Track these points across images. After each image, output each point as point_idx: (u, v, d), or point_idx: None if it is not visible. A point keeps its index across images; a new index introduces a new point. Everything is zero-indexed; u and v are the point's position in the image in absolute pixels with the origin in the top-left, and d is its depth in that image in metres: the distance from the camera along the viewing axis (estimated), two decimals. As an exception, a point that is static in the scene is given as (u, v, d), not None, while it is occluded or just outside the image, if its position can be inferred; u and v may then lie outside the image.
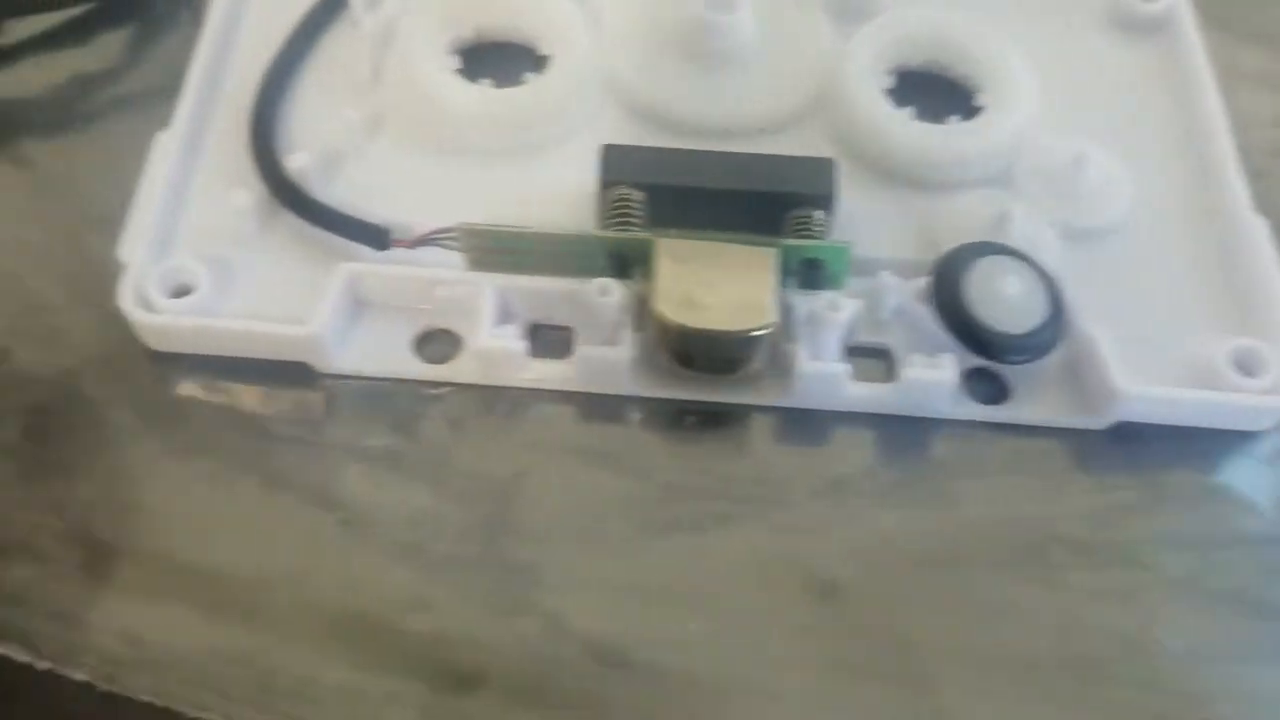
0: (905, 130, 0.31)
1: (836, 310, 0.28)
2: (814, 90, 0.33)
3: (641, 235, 0.28)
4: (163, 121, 0.31)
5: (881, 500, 0.27)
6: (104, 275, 0.29)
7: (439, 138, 0.31)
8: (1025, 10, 0.35)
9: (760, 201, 0.29)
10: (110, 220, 0.29)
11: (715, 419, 0.29)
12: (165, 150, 0.30)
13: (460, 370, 0.29)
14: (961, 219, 0.30)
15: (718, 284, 0.27)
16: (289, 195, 0.29)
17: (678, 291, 0.27)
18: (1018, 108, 0.32)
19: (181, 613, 0.25)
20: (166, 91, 0.32)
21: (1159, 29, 0.35)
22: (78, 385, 0.28)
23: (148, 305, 0.28)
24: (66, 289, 0.30)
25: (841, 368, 0.28)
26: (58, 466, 0.27)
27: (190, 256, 0.29)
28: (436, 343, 0.29)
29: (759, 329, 0.27)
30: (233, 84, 0.32)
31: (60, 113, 0.34)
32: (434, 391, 0.28)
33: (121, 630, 0.25)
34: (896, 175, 0.31)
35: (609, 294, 0.28)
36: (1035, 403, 0.28)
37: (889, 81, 0.33)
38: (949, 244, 0.29)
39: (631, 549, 0.26)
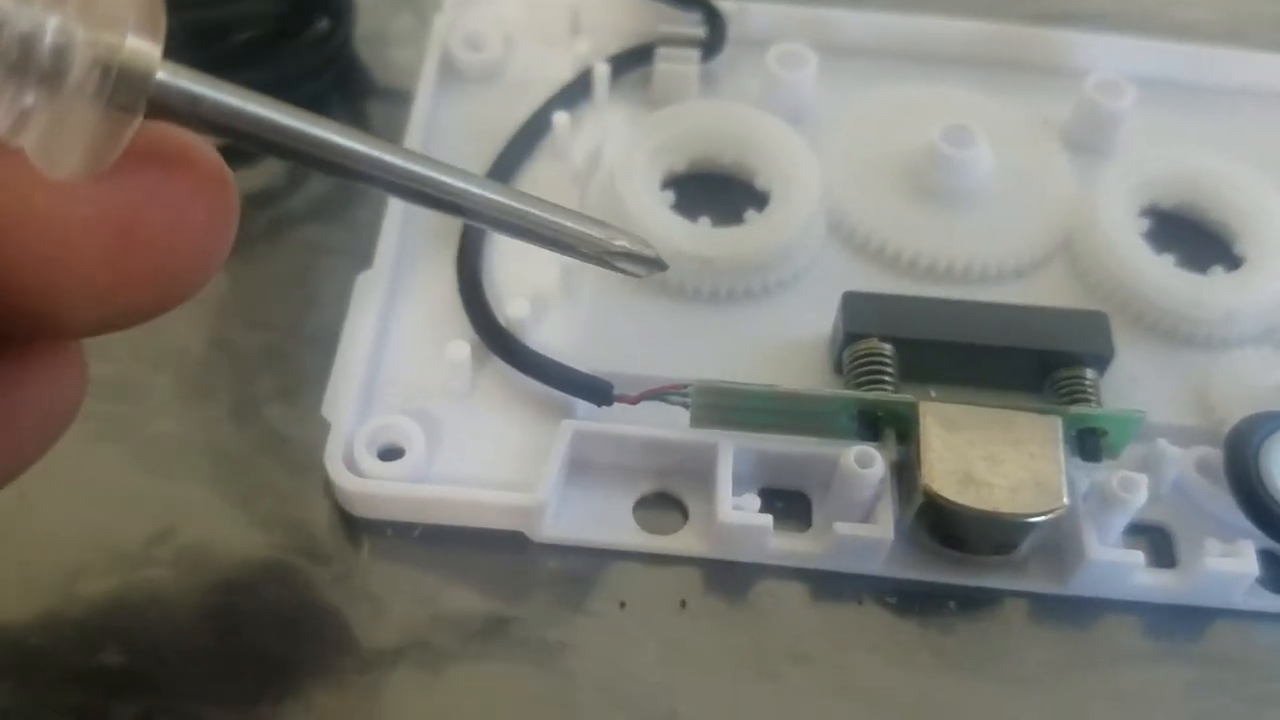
0: (1171, 280, 0.28)
1: (1131, 492, 0.24)
2: (1061, 232, 0.30)
3: (904, 398, 0.25)
4: (353, 257, 0.29)
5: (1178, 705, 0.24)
6: (297, 434, 0.26)
7: (654, 280, 0.28)
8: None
9: (1026, 359, 0.27)
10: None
11: (978, 604, 0.25)
12: (369, 294, 0.27)
13: (686, 542, 0.26)
14: (1237, 381, 0.27)
15: (998, 458, 0.24)
16: (507, 348, 0.26)
17: (952, 466, 0.24)
18: (1284, 262, 0.29)
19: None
20: (343, 218, 0.30)
21: None
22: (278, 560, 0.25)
23: (356, 469, 0.25)
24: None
25: (1133, 556, 0.25)
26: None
27: (398, 414, 0.26)
28: (659, 509, 0.26)
29: (1049, 512, 0.24)
30: (433, 219, 0.29)
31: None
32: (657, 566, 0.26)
33: None
34: (1158, 329, 0.29)
35: (870, 465, 0.24)
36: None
37: (1145, 225, 0.30)
38: (1224, 408, 0.27)
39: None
